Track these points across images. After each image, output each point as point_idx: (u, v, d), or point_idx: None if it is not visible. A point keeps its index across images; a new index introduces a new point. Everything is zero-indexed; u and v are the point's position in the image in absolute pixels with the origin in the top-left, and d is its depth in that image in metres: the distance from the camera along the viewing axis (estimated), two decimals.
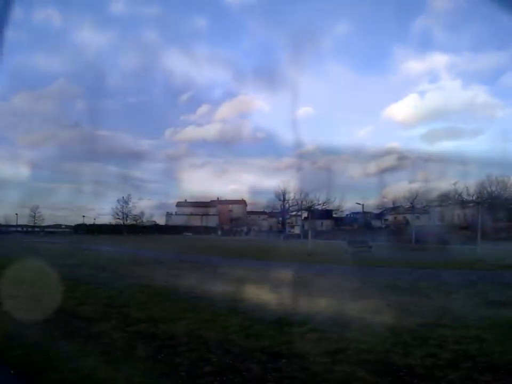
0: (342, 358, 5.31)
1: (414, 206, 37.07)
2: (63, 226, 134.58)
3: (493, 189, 74.35)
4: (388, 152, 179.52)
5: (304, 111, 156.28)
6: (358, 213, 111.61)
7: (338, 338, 6.18)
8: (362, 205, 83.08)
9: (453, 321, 7.26)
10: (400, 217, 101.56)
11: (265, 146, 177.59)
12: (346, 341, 6.01)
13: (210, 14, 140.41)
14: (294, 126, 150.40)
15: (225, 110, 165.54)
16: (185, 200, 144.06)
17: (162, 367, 5.01)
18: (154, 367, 5.01)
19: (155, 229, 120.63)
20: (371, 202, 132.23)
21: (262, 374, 4.82)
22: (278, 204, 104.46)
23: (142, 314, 8.00)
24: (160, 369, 4.93)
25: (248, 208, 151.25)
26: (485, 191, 64.81)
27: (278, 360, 5.31)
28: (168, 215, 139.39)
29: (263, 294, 10.63)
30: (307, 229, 51.44)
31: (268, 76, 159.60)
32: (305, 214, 62.45)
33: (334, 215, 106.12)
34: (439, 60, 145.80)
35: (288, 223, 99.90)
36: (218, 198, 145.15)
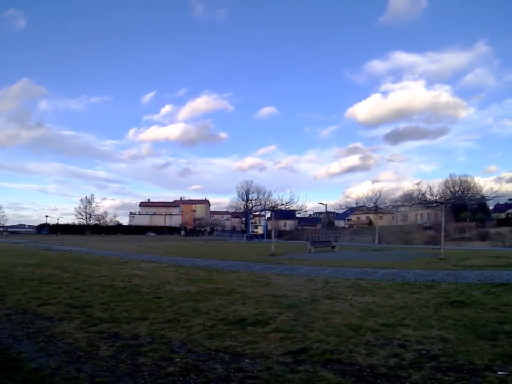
0: None
1: (377, 206, 37.65)
2: (26, 226, 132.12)
3: (456, 189, 76.67)
4: (351, 152, 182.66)
5: (267, 110, 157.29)
6: (321, 212, 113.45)
7: None
8: (326, 204, 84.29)
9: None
10: (363, 217, 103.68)
11: (228, 146, 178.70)
12: None
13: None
14: (257, 126, 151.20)
15: (188, 110, 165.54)
16: (149, 200, 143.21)
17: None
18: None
19: (118, 228, 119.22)
20: (334, 202, 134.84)
21: None
22: (241, 204, 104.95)
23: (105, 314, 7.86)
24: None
25: (212, 208, 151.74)
26: (448, 191, 66.49)
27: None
28: (132, 215, 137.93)
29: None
30: (270, 229, 51.61)
31: (230, 75, 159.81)
32: (268, 214, 62.65)
33: (298, 215, 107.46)
34: (402, 59, 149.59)
35: (252, 223, 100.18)
36: (181, 198, 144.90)
